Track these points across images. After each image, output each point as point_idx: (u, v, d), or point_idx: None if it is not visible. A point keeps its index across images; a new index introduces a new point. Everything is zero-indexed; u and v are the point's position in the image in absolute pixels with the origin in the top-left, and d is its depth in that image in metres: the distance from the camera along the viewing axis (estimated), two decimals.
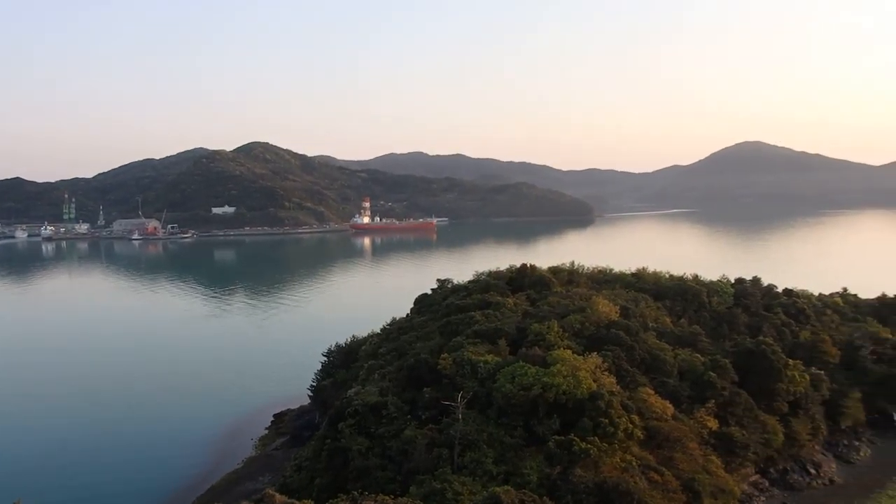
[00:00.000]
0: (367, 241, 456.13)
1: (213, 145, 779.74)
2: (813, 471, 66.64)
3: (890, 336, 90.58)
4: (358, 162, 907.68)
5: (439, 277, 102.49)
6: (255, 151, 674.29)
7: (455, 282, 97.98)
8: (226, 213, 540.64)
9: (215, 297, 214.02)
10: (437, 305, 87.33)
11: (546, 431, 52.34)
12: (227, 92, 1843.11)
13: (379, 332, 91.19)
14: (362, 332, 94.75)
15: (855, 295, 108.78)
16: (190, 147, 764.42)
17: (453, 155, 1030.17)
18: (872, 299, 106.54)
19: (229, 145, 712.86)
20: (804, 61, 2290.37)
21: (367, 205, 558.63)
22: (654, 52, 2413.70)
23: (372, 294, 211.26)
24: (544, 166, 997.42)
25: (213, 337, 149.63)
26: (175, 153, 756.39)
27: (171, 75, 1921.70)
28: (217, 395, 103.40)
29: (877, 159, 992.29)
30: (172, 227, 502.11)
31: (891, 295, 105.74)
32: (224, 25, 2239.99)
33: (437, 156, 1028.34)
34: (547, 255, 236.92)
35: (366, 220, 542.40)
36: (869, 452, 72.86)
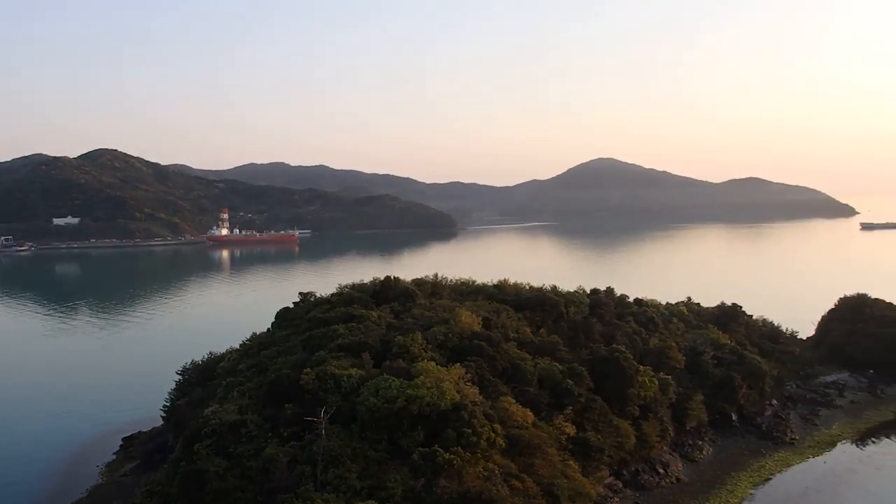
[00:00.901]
0: (225, 253, 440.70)
1: (53, 151, 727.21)
2: (662, 470, 70.35)
3: (728, 341, 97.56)
4: (216, 172, 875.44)
5: (302, 291, 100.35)
6: (103, 159, 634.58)
7: (318, 295, 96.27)
8: (69, 224, 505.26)
9: (56, 314, 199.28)
10: (300, 319, 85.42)
11: (410, 444, 52.23)
12: (71, 95, 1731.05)
13: (238, 347, 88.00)
14: (220, 349, 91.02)
15: (698, 304, 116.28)
16: (27, 153, 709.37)
17: (316, 166, 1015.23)
18: (713, 308, 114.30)
19: (73, 152, 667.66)
20: (652, 82, 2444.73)
21: (226, 216, 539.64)
22: (514, 71, 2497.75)
23: (231, 309, 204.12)
24: (408, 179, 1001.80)
25: (52, 358, 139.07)
26: (10, 159, 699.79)
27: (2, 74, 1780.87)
28: (57, 420, 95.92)
29: (717, 177, 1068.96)
30: (6, 240, 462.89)
31: (728, 303, 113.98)
32: (64, 25, 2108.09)
33: (300, 166, 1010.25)
34: (411, 267, 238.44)
35: (224, 231, 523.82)
36: (710, 450, 77.91)
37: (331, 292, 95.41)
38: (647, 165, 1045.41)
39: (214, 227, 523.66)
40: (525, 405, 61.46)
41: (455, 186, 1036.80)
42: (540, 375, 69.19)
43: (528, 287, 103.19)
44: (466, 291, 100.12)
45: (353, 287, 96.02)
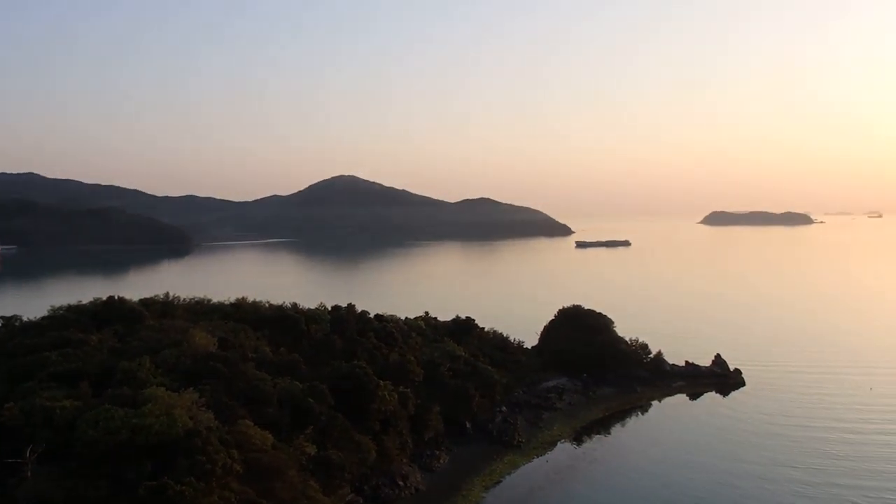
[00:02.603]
0: None
1: None
2: (401, 482, 71.61)
3: (463, 353, 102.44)
4: None
5: (4, 315, 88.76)
6: None
7: (25, 319, 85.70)
8: None
9: None
10: (2, 347, 75.11)
11: (138, 478, 47.78)
12: None
13: None
14: None
15: (435, 318, 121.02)
16: None
17: (24, 173, 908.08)
18: (449, 321, 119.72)
19: None
20: (392, 104, 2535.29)
21: None
22: (254, 83, 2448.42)
23: None
24: (136, 190, 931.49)
25: None
26: None
27: None
28: None
29: (453, 197, 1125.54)
30: None
31: (463, 317, 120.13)
32: None
33: (4, 174, 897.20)
34: (139, 286, 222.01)
35: None
36: (447, 459, 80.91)
37: (42, 315, 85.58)
38: (387, 184, 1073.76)
39: None
40: (264, 427, 59.28)
41: (190, 200, 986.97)
42: (280, 395, 67.36)
43: (267, 305, 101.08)
44: (202, 311, 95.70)
45: (70, 309, 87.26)
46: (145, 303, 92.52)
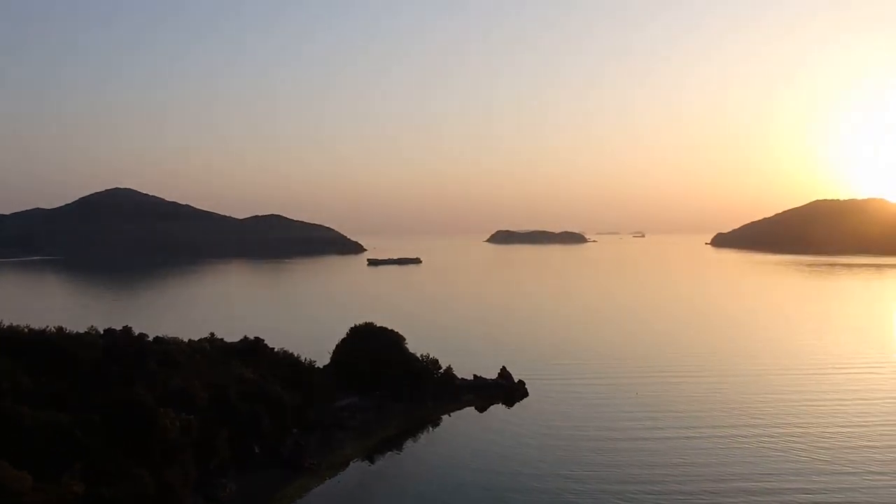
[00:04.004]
0: None
1: None
2: None
3: (252, 376, 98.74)
4: None
5: None
6: None
7: None
8: None
9: None
10: None
11: None
12: None
13: None
14: None
15: (222, 339, 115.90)
16: None
17: None
18: (236, 342, 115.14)
19: None
20: (163, 115, 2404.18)
21: None
22: (12, 85, 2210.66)
23: None
24: None
25: None
26: None
27: None
28: None
29: (241, 213, 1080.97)
30: None
31: (252, 338, 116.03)
32: None
33: None
34: None
35: None
36: (235, 487, 77.18)
37: None
38: (168, 198, 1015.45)
39: None
40: (23, 466, 53.00)
41: None
42: (42, 430, 60.65)
43: (27, 330, 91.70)
44: None
45: None
46: None
